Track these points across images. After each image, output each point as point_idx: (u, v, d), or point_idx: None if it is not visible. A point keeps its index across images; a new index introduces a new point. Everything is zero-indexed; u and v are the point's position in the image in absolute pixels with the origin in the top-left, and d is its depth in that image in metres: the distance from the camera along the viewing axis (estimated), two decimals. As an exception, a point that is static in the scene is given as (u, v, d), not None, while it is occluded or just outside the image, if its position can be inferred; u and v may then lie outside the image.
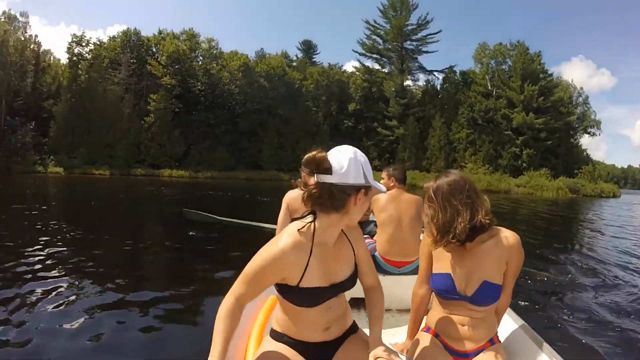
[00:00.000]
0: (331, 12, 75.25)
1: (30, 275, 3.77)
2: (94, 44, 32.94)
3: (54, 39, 67.58)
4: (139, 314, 2.82)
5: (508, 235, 1.19)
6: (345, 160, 0.97)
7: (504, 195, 23.69)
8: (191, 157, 29.17)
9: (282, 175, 28.80)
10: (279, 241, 0.99)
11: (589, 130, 37.98)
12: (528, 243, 6.39)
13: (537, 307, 3.22)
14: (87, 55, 32.87)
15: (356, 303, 2.26)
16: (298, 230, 1.02)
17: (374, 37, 35.76)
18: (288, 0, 77.20)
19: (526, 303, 3.22)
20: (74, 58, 32.73)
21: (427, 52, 36.90)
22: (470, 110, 36.39)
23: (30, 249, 4.92)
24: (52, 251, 4.78)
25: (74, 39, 33.41)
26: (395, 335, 2.00)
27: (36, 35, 39.38)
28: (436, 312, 1.28)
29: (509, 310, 1.58)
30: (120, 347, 2.33)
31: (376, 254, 2.40)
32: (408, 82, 36.85)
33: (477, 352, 1.21)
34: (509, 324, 1.55)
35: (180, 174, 28.17)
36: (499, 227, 1.21)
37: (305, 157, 0.98)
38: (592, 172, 31.23)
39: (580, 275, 4.33)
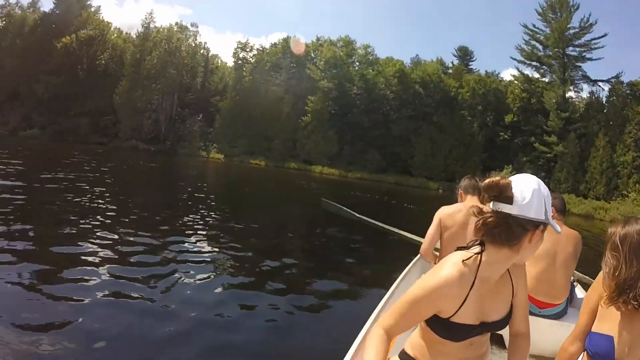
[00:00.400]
0: (488, 17, 72.42)
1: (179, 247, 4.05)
2: (257, 49, 37.12)
3: (221, 46, 79.44)
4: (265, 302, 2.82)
5: None
6: (529, 191, 0.88)
7: None
8: (343, 157, 30.64)
9: (431, 184, 28.44)
10: (441, 271, 0.93)
11: None
12: None
13: None
14: (250, 59, 37.21)
15: (493, 339, 1.89)
16: (463, 261, 0.93)
17: (533, 42, 33.32)
18: (443, 6, 76.66)
19: None
20: (239, 62, 37.34)
21: (591, 59, 33.00)
22: (639, 129, 31.44)
23: (179, 221, 5.24)
24: (196, 226, 5.03)
25: (239, 45, 38.16)
26: None
27: (205, 42, 46.23)
28: None
29: None
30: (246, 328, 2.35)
31: None
32: (570, 94, 33.42)
33: None
34: None
35: (331, 171, 29.75)
36: None
37: (487, 181, 0.89)
38: None
39: None
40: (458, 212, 2.14)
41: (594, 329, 1.15)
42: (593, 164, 31.06)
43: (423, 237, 2.21)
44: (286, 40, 35.64)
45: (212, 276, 3.40)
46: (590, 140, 31.59)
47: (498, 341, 2.14)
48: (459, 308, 0.94)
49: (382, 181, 28.18)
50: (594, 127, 31.97)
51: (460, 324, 0.95)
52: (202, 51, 42.17)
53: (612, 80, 34.17)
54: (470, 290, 0.94)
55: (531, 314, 1.96)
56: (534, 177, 0.94)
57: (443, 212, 2.16)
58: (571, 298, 2.36)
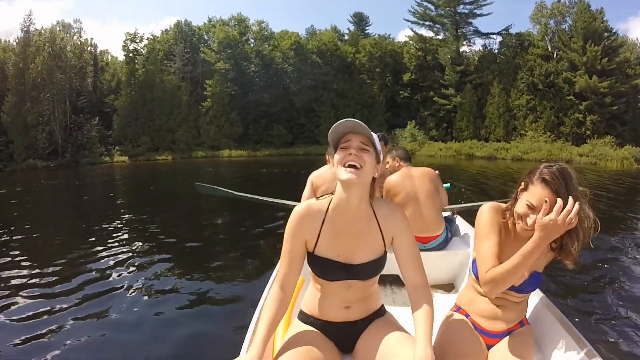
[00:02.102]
0: None
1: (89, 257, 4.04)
2: (148, 39, 34.96)
3: (109, 38, 72.90)
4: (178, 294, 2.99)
5: None
6: None
7: (565, 165, 22.24)
8: (249, 137, 30.12)
9: (341, 149, 28.92)
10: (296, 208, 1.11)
11: (658, 94, 34.66)
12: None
13: (570, 292, 3.12)
14: (142, 50, 34.94)
15: (385, 280, 2.22)
16: (316, 198, 1.14)
17: (425, 3, 35.05)
18: None
19: (559, 287, 3.12)
20: (130, 54, 34.94)
21: (481, 14, 35.52)
22: (530, 75, 34.50)
23: (81, 233, 5.31)
24: (100, 232, 5.10)
25: (128, 37, 35.68)
26: None
27: (92, 38, 42.69)
28: (470, 292, 1.28)
29: (538, 292, 1.61)
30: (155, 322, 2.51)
31: None
32: (464, 48, 35.73)
33: (507, 333, 1.22)
34: (538, 307, 1.53)
35: (239, 153, 29.19)
36: None
37: None
38: (661, 140, 28.33)
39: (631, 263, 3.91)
40: (327, 171, 2.38)
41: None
42: (490, 110, 33.52)
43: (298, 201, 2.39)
44: (177, 25, 33.92)
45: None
46: (486, 89, 34.02)
47: (396, 281, 2.26)
48: (317, 239, 1.08)
49: (291, 154, 28.26)
50: (489, 77, 34.44)
51: (323, 257, 1.07)
52: (89, 48, 38.84)
53: (503, 32, 36.91)
54: (323, 222, 1.08)
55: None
56: None
57: (314, 175, 2.40)
58: (453, 228, 2.61)
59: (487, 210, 1.24)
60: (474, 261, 1.26)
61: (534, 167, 1.20)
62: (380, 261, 1.09)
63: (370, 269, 1.08)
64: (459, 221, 2.82)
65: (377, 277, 1.13)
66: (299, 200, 2.43)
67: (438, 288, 2.26)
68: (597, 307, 2.78)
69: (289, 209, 1.15)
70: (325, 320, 1.12)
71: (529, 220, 1.13)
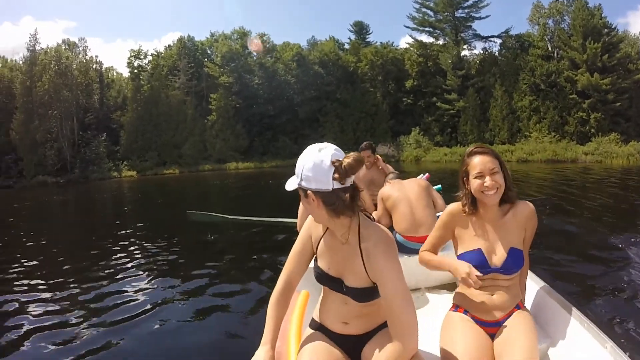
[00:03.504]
0: None
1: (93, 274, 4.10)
2: (152, 55, 35.64)
3: (113, 55, 74.15)
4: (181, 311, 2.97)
5: (524, 206, 1.33)
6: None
7: (570, 165, 22.19)
8: (255, 149, 30.45)
9: (346, 158, 29.18)
10: None
11: (661, 87, 34.43)
12: (590, 220, 5.92)
13: (573, 280, 3.17)
14: (146, 66, 35.53)
15: None
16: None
17: (423, 9, 35.38)
18: None
19: (561, 277, 3.20)
20: (135, 71, 35.58)
21: (480, 18, 35.72)
22: (532, 76, 34.55)
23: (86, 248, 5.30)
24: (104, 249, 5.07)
25: (132, 54, 36.38)
26: (427, 315, 1.97)
27: (97, 56, 43.42)
28: (463, 289, 1.34)
29: (532, 275, 1.65)
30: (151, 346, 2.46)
31: (396, 234, 2.41)
32: (465, 52, 35.94)
33: (505, 319, 1.27)
34: (533, 289, 1.59)
35: (245, 165, 29.61)
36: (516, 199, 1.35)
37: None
38: (665, 133, 28.16)
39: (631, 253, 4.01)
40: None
41: (462, 250, 1.33)
42: (494, 112, 33.60)
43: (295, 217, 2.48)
44: (180, 41, 34.44)
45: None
46: (489, 92, 34.15)
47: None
48: (317, 246, 1.14)
49: (297, 164, 28.24)
50: (490, 80, 34.57)
51: (318, 264, 1.13)
52: (94, 66, 39.52)
53: (503, 35, 37.03)
54: (323, 234, 1.13)
55: (415, 252, 2.08)
56: (304, 152, 1.05)
57: None
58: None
59: (445, 212, 1.40)
60: (458, 257, 1.33)
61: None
62: (372, 290, 1.05)
63: (364, 295, 1.06)
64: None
65: (378, 300, 1.06)
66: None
67: (441, 288, 2.31)
68: (599, 293, 2.86)
69: (290, 227, 1.33)
70: (330, 330, 1.15)
71: (487, 183, 1.26)
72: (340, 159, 1.00)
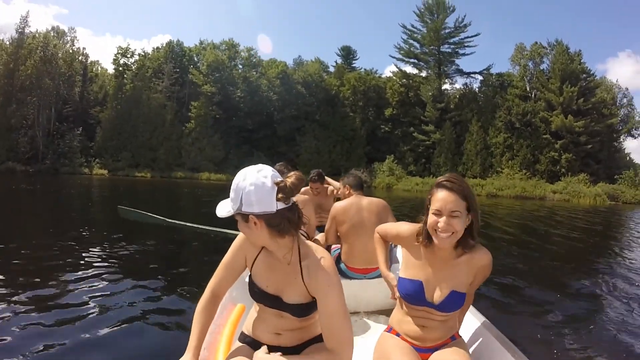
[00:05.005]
0: (369, 18, 76.00)
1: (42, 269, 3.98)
2: (139, 54, 35.35)
3: (100, 49, 72.79)
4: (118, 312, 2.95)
5: (482, 255, 1.23)
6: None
7: (538, 202, 23.04)
8: (229, 161, 30.41)
9: (319, 179, 29.40)
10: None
11: (632, 132, 36.23)
12: (539, 254, 6.23)
13: (506, 309, 3.29)
14: (132, 65, 35.13)
15: None
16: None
17: (410, 41, 36.40)
18: (326, 7, 78.50)
19: (494, 305, 3.30)
20: (120, 68, 35.20)
21: (464, 54, 36.90)
22: (508, 114, 35.84)
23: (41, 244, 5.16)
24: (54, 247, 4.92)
25: (120, 51, 36.01)
26: (364, 338, 2.03)
27: (84, 48, 42.83)
28: (399, 313, 1.33)
29: (472, 308, 1.64)
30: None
31: (341, 263, 2.41)
32: (446, 86, 36.99)
33: (439, 347, 1.25)
34: (471, 321, 1.60)
35: (218, 177, 29.63)
36: (472, 242, 1.25)
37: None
38: (632, 177, 29.60)
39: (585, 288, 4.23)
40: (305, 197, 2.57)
41: (402, 274, 1.28)
42: (468, 147, 34.53)
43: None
44: (169, 45, 34.31)
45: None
46: (465, 126, 35.14)
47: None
48: (253, 264, 1.11)
49: (270, 182, 28.22)
50: (468, 115, 35.61)
51: (255, 283, 1.10)
52: (80, 58, 38.87)
53: (484, 72, 38.35)
54: (258, 253, 1.11)
55: (360, 279, 2.34)
56: (239, 174, 1.01)
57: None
58: (392, 255, 2.56)
59: (408, 229, 1.32)
60: (399, 279, 1.30)
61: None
62: (312, 305, 1.05)
63: (303, 310, 1.06)
64: (398, 249, 2.80)
65: (315, 314, 1.08)
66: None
67: (379, 313, 2.32)
68: (541, 330, 2.85)
69: (231, 238, 1.22)
70: (260, 341, 1.13)
71: (440, 224, 1.15)
72: (282, 179, 0.99)
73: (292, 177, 1.00)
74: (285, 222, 1.00)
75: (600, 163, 33.05)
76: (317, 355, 1.03)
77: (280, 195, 0.97)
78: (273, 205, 0.97)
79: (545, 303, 3.57)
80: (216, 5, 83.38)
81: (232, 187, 1.00)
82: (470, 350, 1.37)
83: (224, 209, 1.02)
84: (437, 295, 1.21)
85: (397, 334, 1.30)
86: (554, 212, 15.60)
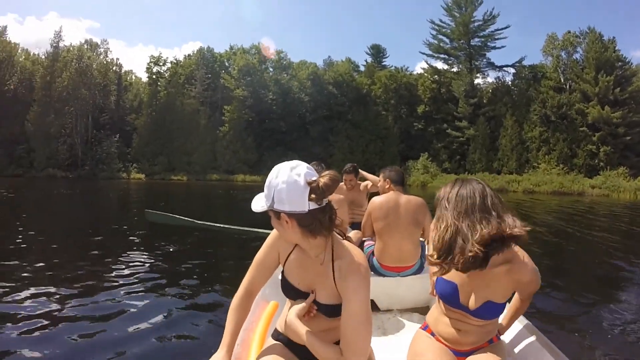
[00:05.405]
0: (397, 15, 75.78)
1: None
2: (171, 62, 36.24)
3: (133, 59, 76.26)
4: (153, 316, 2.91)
5: (524, 270, 1.11)
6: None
7: (576, 198, 21.95)
8: (263, 163, 30.73)
9: (353, 179, 29.33)
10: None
11: (673, 121, 34.05)
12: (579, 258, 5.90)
13: (557, 316, 3.06)
14: (164, 73, 36.15)
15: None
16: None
17: (440, 36, 35.85)
18: (353, 7, 78.91)
19: (545, 312, 3.06)
20: (153, 76, 36.26)
21: (495, 47, 35.95)
22: (543, 107, 34.57)
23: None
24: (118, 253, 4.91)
25: (152, 60, 37.11)
26: (397, 336, 1.98)
27: (117, 58, 44.35)
28: (436, 312, 1.27)
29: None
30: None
31: (374, 259, 2.38)
32: (478, 81, 36.13)
33: (476, 351, 1.19)
34: (515, 326, 1.50)
35: (252, 179, 29.95)
36: (515, 249, 1.11)
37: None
38: (675, 169, 27.85)
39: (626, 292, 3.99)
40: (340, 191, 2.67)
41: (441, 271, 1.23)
42: (503, 142, 33.59)
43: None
44: (200, 52, 35.08)
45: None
46: (499, 121, 34.18)
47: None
48: (285, 261, 1.10)
49: (304, 182, 28.45)
50: (502, 109, 34.64)
51: (288, 280, 1.10)
52: (114, 68, 40.29)
53: (516, 65, 37.16)
54: (292, 250, 1.09)
55: (394, 277, 2.35)
56: (273, 170, 0.98)
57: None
58: (425, 253, 2.51)
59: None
60: (437, 278, 1.24)
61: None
62: (338, 308, 1.03)
63: (334, 311, 1.03)
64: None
65: None
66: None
67: (414, 311, 2.31)
68: (582, 330, 2.76)
69: (263, 238, 1.21)
70: (292, 340, 1.12)
71: None
72: (315, 178, 0.95)
73: (325, 177, 0.95)
74: (317, 222, 0.96)
75: (640, 155, 31.47)
76: (330, 348, 1.01)
77: (312, 196, 0.93)
78: (305, 205, 0.94)
79: (589, 306, 3.38)
80: (244, 10, 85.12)
81: (266, 182, 0.97)
82: (511, 354, 1.33)
83: (258, 203, 1.00)
84: (472, 301, 1.15)
85: (432, 334, 1.26)
86: (592, 208, 14.81)
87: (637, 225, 10.00)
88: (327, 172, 0.97)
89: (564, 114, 33.31)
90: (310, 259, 1.05)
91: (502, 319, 1.31)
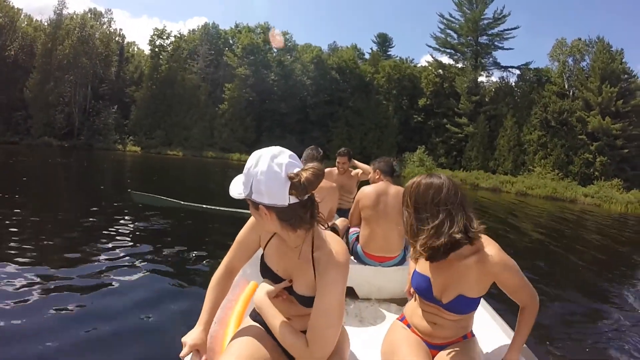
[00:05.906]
0: (407, 5, 75.26)
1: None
2: (175, 36, 35.82)
3: (137, 30, 75.58)
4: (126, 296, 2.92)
5: (491, 255, 1.11)
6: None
7: (568, 205, 22.25)
8: (261, 144, 30.09)
9: (349, 166, 29.33)
10: None
11: (672, 139, 34.24)
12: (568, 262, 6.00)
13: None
14: (167, 47, 35.75)
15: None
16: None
17: (448, 31, 35.68)
18: None
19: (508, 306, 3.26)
20: (156, 49, 35.85)
21: (502, 48, 35.84)
22: (544, 111, 34.63)
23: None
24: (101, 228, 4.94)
25: (156, 32, 36.62)
26: (374, 325, 2.00)
27: (121, 29, 43.89)
28: (413, 305, 1.30)
29: (488, 307, 1.61)
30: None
31: (358, 246, 2.39)
32: (481, 79, 36.09)
33: (448, 345, 1.20)
34: (486, 321, 1.55)
35: (248, 158, 29.42)
36: (483, 240, 1.13)
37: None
38: (669, 187, 28.08)
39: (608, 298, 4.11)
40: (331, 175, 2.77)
41: (417, 267, 1.26)
42: (501, 142, 33.67)
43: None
44: (205, 27, 34.67)
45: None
46: (499, 121, 34.23)
47: (349, 293, 2.28)
48: (266, 245, 1.10)
49: (301, 166, 28.49)
50: (503, 109, 34.66)
51: (267, 265, 1.09)
52: (117, 38, 39.80)
53: (522, 67, 37.09)
54: (272, 236, 1.08)
55: (375, 266, 2.36)
56: (253, 156, 0.94)
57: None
58: (408, 247, 2.56)
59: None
60: (414, 271, 1.27)
61: None
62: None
63: (311, 302, 0.99)
64: None
65: None
66: None
67: (392, 302, 2.33)
68: (560, 335, 2.84)
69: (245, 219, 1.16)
70: None
71: None
72: (297, 172, 0.90)
73: (308, 172, 0.90)
74: (297, 217, 0.94)
75: (636, 169, 31.53)
76: (297, 337, 0.97)
77: (293, 191, 0.90)
78: (285, 199, 0.90)
79: (566, 309, 3.48)
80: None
81: (244, 168, 0.93)
82: (484, 352, 1.33)
83: (236, 189, 0.96)
84: (445, 296, 1.17)
85: (408, 325, 1.28)
86: (583, 216, 14.97)
87: (624, 236, 10.21)
88: (310, 165, 0.93)
89: (565, 120, 33.38)
90: (290, 248, 1.03)
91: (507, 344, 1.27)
